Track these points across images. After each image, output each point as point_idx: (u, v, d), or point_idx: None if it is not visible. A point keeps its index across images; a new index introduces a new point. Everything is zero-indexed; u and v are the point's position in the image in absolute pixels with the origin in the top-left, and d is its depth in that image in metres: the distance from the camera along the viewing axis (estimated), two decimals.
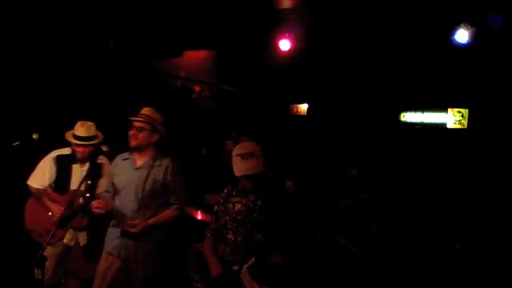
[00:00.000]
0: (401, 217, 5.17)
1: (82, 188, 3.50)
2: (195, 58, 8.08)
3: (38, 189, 3.69)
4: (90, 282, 3.73)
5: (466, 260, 4.66)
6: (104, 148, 3.71)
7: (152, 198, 3.28)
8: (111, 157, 3.70)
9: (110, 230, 3.37)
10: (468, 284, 4.42)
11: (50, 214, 3.65)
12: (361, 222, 4.68)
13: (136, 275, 3.28)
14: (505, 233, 4.89)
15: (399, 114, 7.55)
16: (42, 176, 3.71)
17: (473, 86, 6.30)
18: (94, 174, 3.63)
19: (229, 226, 3.01)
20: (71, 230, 3.71)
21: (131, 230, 3.18)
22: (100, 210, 3.21)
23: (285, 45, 6.17)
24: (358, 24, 5.74)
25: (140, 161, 3.34)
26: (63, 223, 3.52)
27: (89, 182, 3.56)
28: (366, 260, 4.07)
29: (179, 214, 3.38)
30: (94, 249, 3.81)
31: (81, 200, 3.63)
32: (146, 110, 3.42)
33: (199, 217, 4.57)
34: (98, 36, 5.85)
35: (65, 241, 3.69)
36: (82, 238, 3.77)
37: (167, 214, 3.32)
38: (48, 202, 3.65)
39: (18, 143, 3.96)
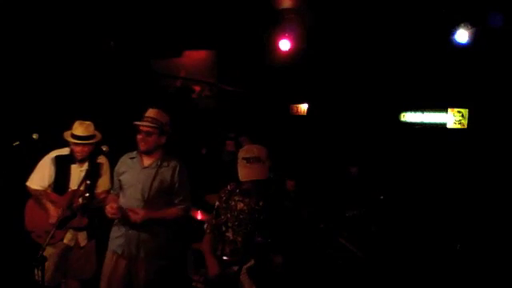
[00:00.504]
0: (401, 217, 5.17)
1: (82, 188, 3.50)
2: (195, 58, 8.08)
3: (37, 190, 3.69)
4: (90, 283, 3.74)
5: (466, 260, 4.66)
6: (104, 148, 3.71)
7: (157, 197, 3.29)
8: (111, 157, 3.71)
9: (114, 228, 3.38)
10: (468, 284, 4.42)
11: (49, 215, 3.65)
12: (361, 223, 4.68)
13: (137, 275, 3.28)
14: (505, 233, 4.89)
15: (399, 113, 7.55)
16: (41, 177, 3.70)
17: (473, 86, 6.30)
18: (93, 173, 3.63)
19: (229, 224, 3.00)
20: (71, 231, 3.71)
21: (133, 217, 3.16)
22: (115, 216, 3.21)
23: (285, 45, 6.16)
24: (358, 24, 5.74)
25: (148, 160, 3.36)
26: (63, 224, 3.52)
27: (88, 182, 3.57)
28: (366, 260, 4.07)
29: (183, 215, 3.38)
30: (94, 249, 3.82)
31: (80, 200, 3.63)
32: (152, 113, 3.38)
33: (199, 217, 4.57)
34: (98, 36, 5.85)
35: (65, 241, 3.69)
36: (82, 238, 3.77)
37: (172, 211, 3.32)
38: (47, 204, 3.64)
39: (17, 143, 3.95)
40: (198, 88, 8.37)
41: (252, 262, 2.82)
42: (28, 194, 3.73)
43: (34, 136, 3.77)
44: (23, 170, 3.88)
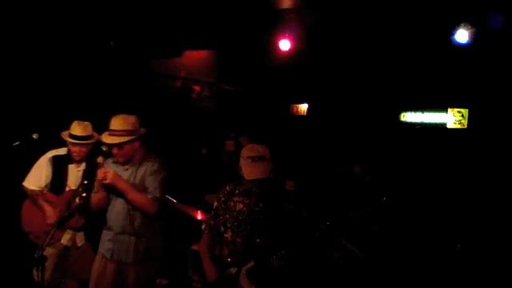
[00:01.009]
0: (401, 217, 5.16)
1: (79, 188, 3.48)
2: (195, 58, 8.08)
3: (33, 190, 3.68)
4: (88, 283, 3.73)
5: (466, 260, 4.66)
6: (104, 148, 3.71)
7: None
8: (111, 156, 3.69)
9: (103, 231, 3.35)
10: (468, 284, 4.42)
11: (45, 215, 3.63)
12: (364, 224, 4.68)
13: (127, 279, 3.26)
14: (505, 233, 4.89)
15: (399, 113, 7.55)
16: (37, 177, 3.69)
17: (473, 86, 6.30)
18: (91, 173, 3.61)
19: (229, 225, 2.98)
20: (69, 231, 3.70)
21: (101, 176, 3.10)
22: (106, 181, 3.12)
23: (285, 45, 6.16)
24: (358, 24, 5.73)
25: (129, 163, 3.32)
26: (61, 224, 3.51)
27: (85, 182, 3.55)
28: (367, 261, 4.07)
29: (153, 206, 3.19)
30: (91, 249, 3.82)
31: (77, 200, 3.61)
32: (117, 124, 3.19)
33: (199, 217, 4.57)
34: (97, 36, 5.84)
35: (62, 241, 3.68)
36: (80, 238, 3.76)
37: (142, 195, 3.18)
38: (44, 204, 3.63)
39: (17, 143, 3.95)
40: (197, 88, 8.37)
41: (251, 263, 2.81)
42: (25, 194, 3.72)
43: (34, 136, 3.76)
44: (23, 170, 3.88)
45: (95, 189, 3.33)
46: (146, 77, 7.10)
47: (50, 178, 3.70)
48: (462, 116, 6.90)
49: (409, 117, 7.49)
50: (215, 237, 3.06)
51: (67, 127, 3.75)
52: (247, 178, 2.84)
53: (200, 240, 3.16)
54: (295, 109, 9.20)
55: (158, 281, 4.38)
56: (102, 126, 3.91)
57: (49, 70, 5.51)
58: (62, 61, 5.62)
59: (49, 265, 3.51)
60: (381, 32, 5.83)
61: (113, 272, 3.26)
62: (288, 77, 7.74)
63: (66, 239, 3.69)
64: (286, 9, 5.84)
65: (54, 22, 5.23)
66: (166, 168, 3.33)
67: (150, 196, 3.18)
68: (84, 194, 3.51)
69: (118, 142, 3.11)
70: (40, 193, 3.68)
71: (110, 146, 3.16)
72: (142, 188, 3.23)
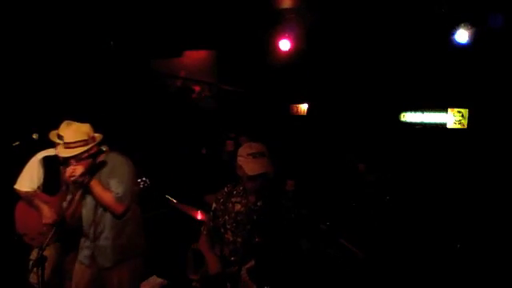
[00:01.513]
0: (401, 216, 5.17)
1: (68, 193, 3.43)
2: (195, 57, 8.08)
3: (27, 192, 3.64)
4: None
5: (466, 260, 4.66)
6: (104, 148, 3.70)
7: None
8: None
9: (82, 239, 3.29)
10: (468, 284, 4.42)
11: (42, 216, 3.60)
12: (363, 221, 4.68)
13: (111, 283, 3.23)
14: (505, 233, 4.89)
15: (399, 113, 7.55)
16: (29, 179, 3.65)
17: (473, 86, 6.30)
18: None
19: (228, 226, 3.00)
20: None
21: (70, 172, 2.99)
22: (75, 176, 3.00)
23: (285, 45, 6.17)
24: (358, 24, 5.74)
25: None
26: (56, 224, 3.47)
27: None
28: (367, 261, 4.07)
29: (118, 205, 3.10)
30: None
31: None
32: (72, 135, 3.03)
33: (199, 217, 4.57)
34: (97, 36, 5.85)
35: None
36: None
37: (108, 194, 3.08)
38: (40, 204, 3.60)
39: (17, 143, 3.95)
40: (197, 88, 8.37)
41: (252, 262, 2.82)
42: (16, 197, 3.68)
43: (34, 136, 3.75)
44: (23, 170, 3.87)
45: (68, 197, 3.24)
46: (145, 77, 7.10)
47: (42, 179, 3.65)
48: (462, 116, 6.90)
49: (409, 117, 7.50)
50: (215, 238, 3.07)
51: None
52: (250, 174, 2.85)
53: (198, 239, 3.17)
54: (295, 109, 9.21)
55: (157, 280, 4.40)
56: (102, 126, 3.91)
57: (49, 69, 5.51)
58: (62, 61, 5.62)
59: (48, 265, 3.52)
60: (381, 32, 5.83)
61: (94, 278, 3.22)
62: (288, 77, 7.75)
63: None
64: (286, 9, 5.85)
65: (54, 22, 5.23)
66: (129, 164, 3.22)
67: (114, 195, 3.10)
68: None
69: (73, 154, 3.02)
70: (34, 193, 3.64)
71: (67, 158, 3.05)
72: (108, 188, 3.15)
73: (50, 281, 3.64)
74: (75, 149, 3.01)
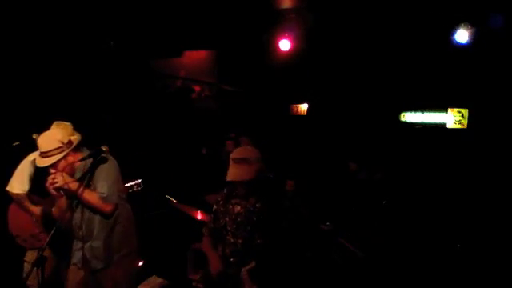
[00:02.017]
0: (401, 216, 5.17)
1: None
2: (195, 57, 8.08)
3: (18, 194, 3.63)
4: None
5: (466, 260, 4.66)
6: (104, 148, 3.70)
7: None
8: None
9: (74, 242, 3.26)
10: (468, 284, 4.42)
11: (33, 217, 3.60)
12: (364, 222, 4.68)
13: (106, 283, 3.22)
14: (505, 233, 4.89)
15: (399, 113, 7.55)
16: (20, 181, 3.64)
17: (473, 86, 6.30)
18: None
19: (228, 228, 3.00)
20: None
21: (51, 181, 2.99)
22: (56, 185, 2.98)
23: (285, 45, 6.17)
24: (358, 24, 5.74)
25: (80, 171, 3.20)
26: (49, 225, 3.46)
27: None
28: (366, 260, 4.07)
29: (105, 205, 3.08)
30: None
31: None
32: (45, 145, 3.01)
33: (199, 217, 4.57)
34: (97, 36, 5.84)
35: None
36: None
37: (93, 195, 3.06)
38: (30, 207, 3.59)
39: (17, 143, 3.95)
40: (197, 88, 8.37)
41: (252, 263, 2.82)
42: (8, 199, 3.67)
43: (34, 136, 3.75)
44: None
45: (55, 202, 3.22)
46: (145, 77, 7.10)
47: (33, 180, 3.65)
48: (462, 116, 6.90)
49: (409, 117, 7.49)
50: (216, 239, 3.08)
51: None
52: (227, 179, 2.86)
53: (200, 241, 3.17)
54: (295, 109, 9.21)
55: (157, 280, 4.40)
56: (102, 126, 3.92)
57: (49, 69, 5.51)
58: (62, 61, 5.62)
59: (47, 266, 3.51)
60: (381, 32, 5.83)
61: (87, 280, 3.21)
62: (288, 77, 7.75)
63: None
64: (286, 9, 5.85)
65: (54, 22, 5.23)
66: (113, 163, 3.20)
67: (99, 195, 3.08)
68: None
69: (50, 163, 3.00)
70: (25, 196, 3.63)
71: (45, 168, 3.04)
72: (94, 189, 3.13)
73: (49, 281, 3.65)
74: (51, 157, 2.99)
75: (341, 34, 6.10)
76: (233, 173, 2.87)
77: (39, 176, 3.60)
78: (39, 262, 2.76)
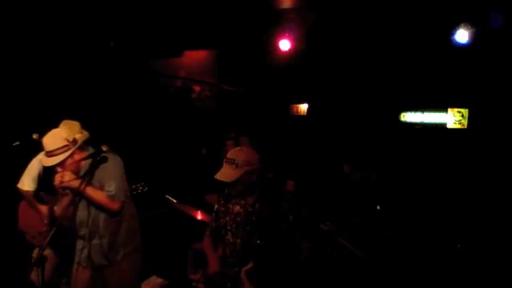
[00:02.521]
0: (401, 217, 5.17)
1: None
2: (195, 58, 8.08)
3: (28, 191, 3.69)
4: None
5: (466, 260, 4.66)
6: (104, 148, 3.70)
7: None
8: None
9: (76, 242, 3.28)
10: (468, 284, 4.42)
11: (41, 215, 3.64)
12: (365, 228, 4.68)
13: (111, 281, 3.23)
14: (505, 233, 4.89)
15: (399, 113, 7.55)
16: (30, 179, 3.70)
17: (473, 86, 6.30)
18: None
19: (228, 227, 3.01)
20: None
21: (58, 180, 3.00)
22: (63, 184, 3.00)
23: (285, 45, 6.17)
24: (358, 24, 5.74)
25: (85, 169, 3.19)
26: (54, 223, 3.49)
27: None
28: (366, 260, 4.07)
29: (112, 204, 3.09)
30: None
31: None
32: (50, 144, 3.01)
33: (199, 217, 4.58)
34: (97, 36, 5.85)
35: None
36: None
37: (100, 194, 3.08)
38: (37, 205, 3.64)
39: (17, 143, 3.96)
40: (197, 88, 8.37)
41: (251, 264, 2.82)
42: (19, 195, 3.73)
43: (34, 136, 3.77)
44: (23, 170, 3.88)
45: (58, 200, 3.23)
46: (146, 77, 7.11)
47: (41, 178, 3.69)
48: (462, 116, 6.89)
49: (409, 117, 7.49)
50: (216, 238, 3.08)
51: None
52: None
53: (201, 241, 3.17)
54: (295, 109, 9.21)
55: (157, 280, 4.40)
56: (102, 126, 3.92)
57: (49, 69, 5.51)
58: (62, 61, 5.62)
59: (48, 265, 3.52)
60: (381, 32, 5.83)
61: (93, 279, 3.22)
62: (288, 77, 7.75)
63: None
64: (286, 9, 5.84)
65: (55, 22, 5.23)
66: (119, 161, 3.22)
67: (106, 193, 3.10)
68: None
69: (55, 162, 3.00)
70: (34, 193, 3.68)
71: (51, 167, 3.05)
72: (100, 188, 3.15)
73: (52, 280, 3.66)
74: (57, 156, 2.98)
75: (341, 34, 6.10)
76: (219, 172, 2.91)
77: (48, 174, 3.66)
78: (39, 262, 2.77)
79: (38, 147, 3.85)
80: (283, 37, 6.13)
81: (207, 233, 3.15)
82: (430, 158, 6.61)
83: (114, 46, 6.08)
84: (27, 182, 3.71)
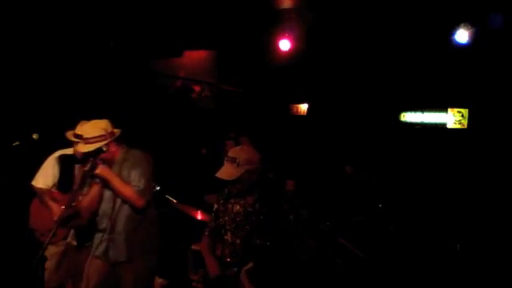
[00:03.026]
0: (401, 217, 5.17)
1: (85, 187, 3.50)
2: (195, 57, 8.08)
3: (41, 188, 3.72)
4: None
5: (466, 260, 4.66)
6: (104, 148, 3.71)
7: None
8: None
9: (95, 235, 3.32)
10: (468, 284, 4.42)
11: (52, 213, 3.67)
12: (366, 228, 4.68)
13: (125, 278, 3.24)
14: (505, 233, 4.89)
15: (399, 113, 7.55)
16: (45, 176, 3.73)
17: (473, 86, 6.30)
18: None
19: (228, 227, 3.00)
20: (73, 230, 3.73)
21: (89, 168, 3.06)
22: (95, 171, 3.07)
23: (285, 45, 6.17)
24: (358, 24, 5.74)
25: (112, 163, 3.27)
26: (64, 222, 3.53)
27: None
28: (367, 261, 4.07)
29: (139, 199, 3.13)
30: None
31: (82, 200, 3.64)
32: (90, 131, 3.13)
33: (199, 217, 4.57)
34: (97, 36, 5.85)
35: (68, 239, 3.71)
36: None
37: (129, 187, 3.13)
38: (49, 202, 3.67)
39: (17, 143, 3.97)
40: (197, 88, 8.37)
41: (251, 264, 2.82)
42: (31, 191, 3.76)
43: (34, 136, 3.78)
44: (23, 170, 3.89)
45: (85, 191, 3.27)
46: (146, 77, 7.10)
47: (57, 177, 3.74)
48: (462, 116, 6.90)
49: (409, 117, 7.49)
50: (216, 238, 3.08)
51: (67, 127, 3.77)
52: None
53: (200, 240, 3.17)
54: (295, 109, 9.20)
55: (157, 281, 4.39)
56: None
57: (49, 70, 5.51)
58: (62, 61, 5.62)
59: (52, 264, 3.54)
60: (381, 32, 5.83)
61: (108, 274, 3.24)
62: (288, 77, 7.74)
63: (71, 238, 3.72)
64: (286, 9, 5.84)
65: (54, 22, 5.23)
66: (150, 160, 3.30)
67: (134, 188, 3.14)
68: None
69: (91, 149, 3.08)
70: (47, 191, 3.72)
71: (86, 154, 3.12)
72: (129, 182, 3.20)
73: (56, 279, 3.67)
74: (93, 144, 3.07)
75: (341, 34, 6.10)
76: (220, 170, 2.91)
77: (63, 172, 3.71)
78: (39, 262, 2.77)
79: (37, 147, 3.87)
80: (283, 37, 6.13)
81: (206, 233, 3.14)
82: (429, 157, 6.61)
83: (113, 46, 6.08)
84: (41, 180, 3.73)
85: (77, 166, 3.76)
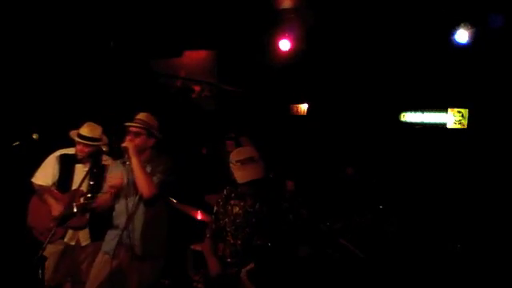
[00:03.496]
0: (401, 217, 5.17)
1: (83, 188, 3.52)
2: (195, 58, 8.07)
3: (41, 185, 3.75)
4: None
5: (466, 260, 4.66)
6: (104, 148, 3.73)
7: None
8: (112, 154, 3.73)
9: (109, 232, 3.38)
10: (468, 284, 4.42)
11: (51, 210, 3.68)
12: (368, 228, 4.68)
13: (131, 277, 3.27)
14: (505, 233, 4.89)
15: (399, 113, 7.55)
16: (45, 174, 3.77)
17: (473, 86, 6.30)
18: (97, 174, 3.65)
19: (228, 229, 3.01)
20: (71, 229, 3.73)
21: (126, 144, 3.25)
22: (132, 145, 3.26)
23: (285, 45, 6.17)
24: (358, 24, 5.74)
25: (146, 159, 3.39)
26: (62, 222, 3.53)
27: (91, 183, 3.60)
28: (366, 261, 4.07)
29: (153, 187, 3.25)
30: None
31: (82, 200, 3.65)
32: (141, 115, 3.48)
33: (199, 217, 4.58)
34: (97, 36, 5.85)
35: (65, 239, 3.72)
36: (83, 237, 3.78)
37: (149, 176, 3.28)
38: (49, 199, 3.69)
39: (17, 143, 3.97)
40: (197, 88, 8.36)
41: (252, 264, 2.82)
42: (31, 191, 3.77)
43: (34, 136, 3.78)
44: (23, 170, 3.89)
45: (104, 189, 3.42)
46: (146, 77, 7.10)
47: (57, 175, 3.78)
48: (462, 116, 6.89)
49: (409, 117, 7.48)
50: (217, 240, 3.09)
51: (67, 127, 3.80)
52: (240, 182, 2.84)
53: (201, 240, 3.18)
54: (295, 109, 9.20)
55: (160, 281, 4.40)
56: (101, 126, 3.92)
57: (49, 70, 5.51)
58: (61, 61, 5.62)
59: (51, 263, 3.55)
60: (381, 32, 5.83)
61: (115, 272, 3.27)
62: (288, 77, 7.74)
63: (68, 237, 3.73)
64: (286, 9, 5.84)
65: (54, 22, 5.23)
66: (174, 169, 3.43)
67: (153, 178, 3.28)
68: (89, 195, 3.56)
69: (138, 127, 3.34)
70: (47, 189, 3.74)
71: (129, 131, 3.37)
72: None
73: (54, 278, 3.68)
74: (139, 128, 3.37)
75: (341, 34, 6.10)
76: (245, 174, 2.84)
77: (62, 171, 3.76)
78: (39, 261, 2.78)
79: (37, 147, 3.87)
80: (283, 37, 6.12)
81: (207, 234, 3.15)
82: (429, 158, 6.61)
83: (113, 46, 6.08)
84: (41, 177, 3.78)
85: (77, 166, 3.77)
